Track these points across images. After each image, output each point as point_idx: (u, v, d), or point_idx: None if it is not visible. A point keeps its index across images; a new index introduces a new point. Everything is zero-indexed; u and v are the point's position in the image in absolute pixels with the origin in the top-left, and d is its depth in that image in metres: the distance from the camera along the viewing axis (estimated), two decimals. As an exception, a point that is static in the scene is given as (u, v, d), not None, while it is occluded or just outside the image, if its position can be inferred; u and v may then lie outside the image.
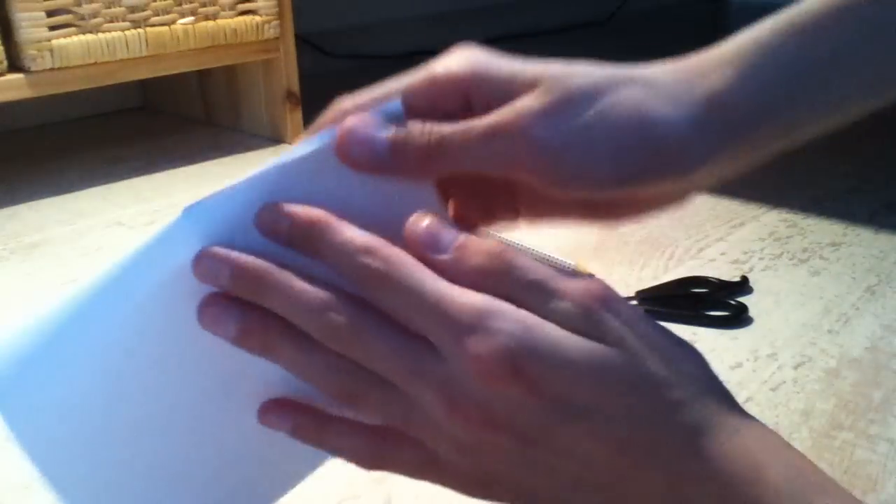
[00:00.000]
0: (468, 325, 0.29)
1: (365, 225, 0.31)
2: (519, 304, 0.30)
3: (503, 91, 0.32)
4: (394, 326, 0.30)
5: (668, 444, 0.29)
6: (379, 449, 0.34)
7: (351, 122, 0.32)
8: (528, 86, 0.31)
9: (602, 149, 0.31)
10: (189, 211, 0.30)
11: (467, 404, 0.30)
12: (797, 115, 0.32)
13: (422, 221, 0.31)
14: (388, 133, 0.32)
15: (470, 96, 0.33)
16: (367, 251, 0.30)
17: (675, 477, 0.29)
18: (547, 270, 0.31)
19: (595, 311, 0.30)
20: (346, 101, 0.35)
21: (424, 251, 0.31)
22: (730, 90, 0.31)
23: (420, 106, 0.33)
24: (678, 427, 0.29)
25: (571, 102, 0.31)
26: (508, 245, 0.31)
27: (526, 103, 0.31)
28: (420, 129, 0.32)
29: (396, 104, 0.33)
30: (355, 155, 0.32)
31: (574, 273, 0.31)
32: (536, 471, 0.30)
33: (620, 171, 0.31)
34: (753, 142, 0.32)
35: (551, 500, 0.31)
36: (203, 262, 0.32)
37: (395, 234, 0.31)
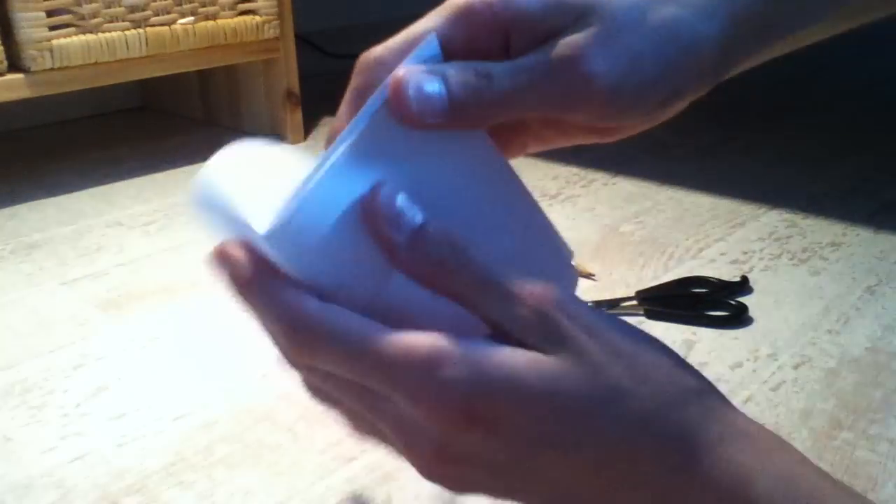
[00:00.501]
0: (417, 384, 0.27)
1: (428, 184, 0.30)
2: (472, 307, 0.28)
3: (546, 23, 0.30)
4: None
5: (645, 459, 0.27)
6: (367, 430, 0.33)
7: (399, 77, 0.29)
8: (572, 16, 0.29)
9: (654, 74, 0.30)
10: (272, 236, 0.28)
11: (425, 445, 0.29)
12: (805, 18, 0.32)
13: (385, 194, 0.29)
14: (439, 86, 0.29)
15: (509, 31, 0.30)
16: (295, 329, 0.29)
17: (661, 492, 0.28)
18: (504, 270, 0.29)
19: (553, 316, 0.28)
20: (375, 51, 0.32)
21: (383, 225, 0.28)
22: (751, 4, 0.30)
23: (457, 46, 0.30)
24: (653, 441, 0.27)
25: (621, 31, 0.29)
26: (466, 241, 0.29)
27: (578, 38, 0.29)
28: (474, 77, 0.29)
29: (434, 46, 0.30)
30: (414, 114, 0.29)
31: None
32: (514, 493, 0.29)
33: (671, 94, 0.31)
34: (773, 46, 0.32)
35: None
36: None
37: (457, 188, 0.30)
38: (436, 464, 0.29)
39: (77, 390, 0.64)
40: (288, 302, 0.29)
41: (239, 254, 0.30)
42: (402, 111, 0.29)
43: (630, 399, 0.27)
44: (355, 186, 0.29)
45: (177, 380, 0.65)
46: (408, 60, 0.30)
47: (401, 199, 0.29)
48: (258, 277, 0.29)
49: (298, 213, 0.28)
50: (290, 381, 0.66)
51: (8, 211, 1.04)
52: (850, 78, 1.65)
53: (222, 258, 0.30)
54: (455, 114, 0.29)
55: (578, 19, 0.29)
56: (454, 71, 0.29)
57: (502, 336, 0.28)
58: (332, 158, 0.28)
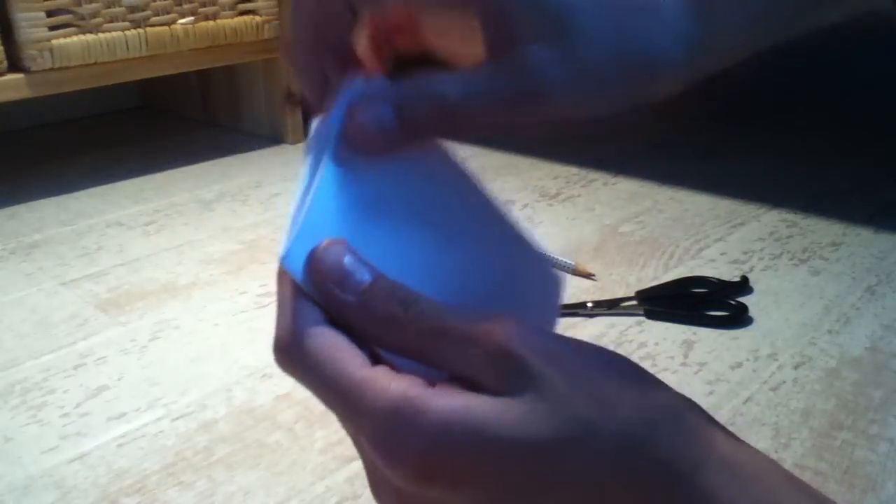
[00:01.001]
0: (378, 433, 0.26)
1: (401, 198, 0.30)
2: (427, 359, 0.28)
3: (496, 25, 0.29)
4: None
5: (617, 498, 0.26)
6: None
7: (353, 120, 0.29)
8: (539, 21, 0.28)
9: (620, 94, 0.30)
10: (285, 258, 0.29)
11: (387, 493, 0.28)
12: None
13: (332, 253, 0.28)
14: (389, 116, 0.29)
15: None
16: (284, 339, 0.28)
17: None
18: (456, 316, 0.28)
19: (510, 353, 0.26)
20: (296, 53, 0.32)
21: (332, 288, 0.28)
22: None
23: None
24: (625, 477, 0.26)
25: (588, 48, 0.28)
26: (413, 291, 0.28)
27: (542, 58, 0.28)
28: (426, 101, 0.29)
29: (377, 83, 0.30)
30: (367, 145, 0.29)
31: (480, 317, 0.28)
32: None
33: (626, 101, 0.30)
34: (731, 56, 0.33)
35: None
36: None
37: (429, 206, 0.31)
38: None
39: (77, 390, 0.64)
40: (296, 313, 0.28)
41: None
42: (357, 146, 0.29)
43: (597, 435, 0.26)
44: (341, 202, 0.30)
45: (176, 380, 0.65)
46: (352, 91, 0.30)
47: (348, 259, 0.28)
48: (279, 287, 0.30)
49: (300, 237, 0.29)
50: (290, 382, 0.65)
51: (8, 211, 1.04)
52: (851, 78, 1.65)
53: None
54: (407, 138, 0.29)
55: (543, 27, 0.28)
56: (405, 94, 0.29)
57: (463, 381, 0.27)
58: (314, 186, 0.29)
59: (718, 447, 0.27)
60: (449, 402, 0.26)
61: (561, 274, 0.35)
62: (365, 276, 0.28)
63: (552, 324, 0.35)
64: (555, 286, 0.35)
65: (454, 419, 0.26)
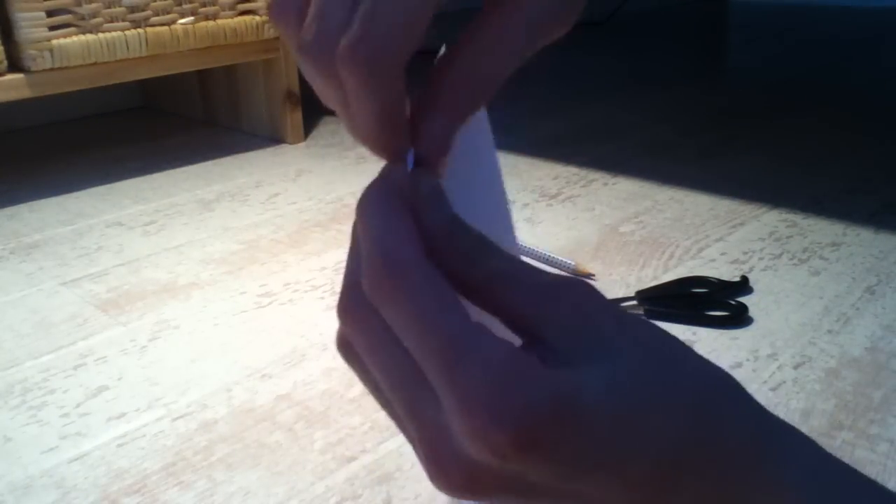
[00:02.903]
0: (489, 390, 0.23)
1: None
2: (499, 304, 0.26)
3: None
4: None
5: (688, 471, 0.26)
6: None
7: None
8: None
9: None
10: None
11: (454, 464, 0.25)
12: None
13: (432, 179, 0.28)
14: None
15: None
16: (392, 263, 0.25)
17: (701, 498, 0.26)
18: (532, 270, 0.27)
19: (595, 319, 0.26)
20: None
21: (429, 205, 0.28)
22: None
23: None
24: (697, 452, 0.26)
25: None
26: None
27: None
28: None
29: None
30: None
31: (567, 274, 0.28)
32: None
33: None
34: None
35: None
36: None
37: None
38: (456, 490, 0.26)
39: (77, 390, 0.64)
40: (399, 234, 0.26)
41: (382, 173, 0.29)
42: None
43: (675, 409, 0.26)
44: None
45: (176, 380, 0.65)
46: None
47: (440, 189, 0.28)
48: (382, 194, 0.27)
49: None
50: (290, 381, 0.66)
51: (8, 211, 1.04)
52: (850, 78, 1.65)
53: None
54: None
55: None
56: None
57: (528, 336, 0.26)
58: None
59: (785, 434, 0.28)
60: (554, 372, 0.24)
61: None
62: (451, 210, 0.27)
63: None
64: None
65: (567, 392, 0.24)
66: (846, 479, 0.27)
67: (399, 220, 0.26)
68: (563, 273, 0.27)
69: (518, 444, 0.23)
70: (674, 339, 0.28)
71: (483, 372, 0.23)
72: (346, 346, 0.30)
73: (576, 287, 0.26)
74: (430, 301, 0.24)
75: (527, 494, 0.26)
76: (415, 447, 0.27)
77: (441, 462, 0.25)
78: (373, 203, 0.27)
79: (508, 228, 0.37)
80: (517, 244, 0.37)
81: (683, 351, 0.27)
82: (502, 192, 0.37)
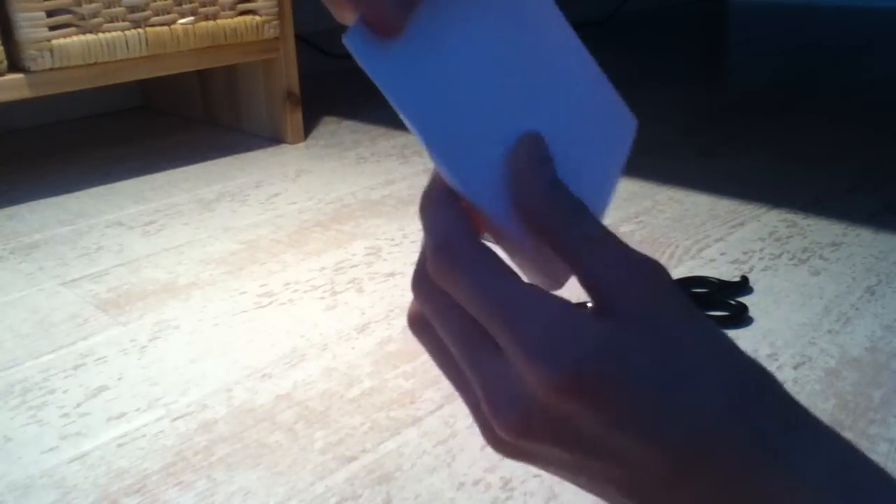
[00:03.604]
0: (542, 339, 0.27)
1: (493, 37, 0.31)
2: (577, 259, 0.29)
3: None
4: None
5: (721, 447, 0.27)
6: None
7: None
8: None
9: None
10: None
11: (511, 410, 0.28)
12: None
13: (540, 142, 0.31)
14: None
15: None
16: (449, 250, 0.29)
17: (724, 481, 0.27)
18: (614, 238, 0.30)
19: (654, 290, 0.28)
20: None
21: (536, 165, 0.30)
22: None
23: None
24: (732, 429, 0.27)
25: None
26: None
27: None
28: None
29: None
30: None
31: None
32: (580, 473, 0.30)
33: None
34: None
35: (594, 492, 0.30)
36: None
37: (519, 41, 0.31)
38: (512, 432, 0.29)
39: (77, 390, 0.64)
40: (452, 225, 0.29)
41: (435, 177, 0.31)
42: None
43: (715, 389, 0.28)
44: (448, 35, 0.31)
45: (176, 380, 0.65)
46: None
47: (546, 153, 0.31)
48: (438, 195, 0.30)
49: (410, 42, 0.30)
50: (290, 381, 0.66)
51: (8, 211, 1.04)
52: (851, 78, 1.65)
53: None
54: None
55: None
56: None
57: (599, 302, 0.29)
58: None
59: (813, 428, 0.29)
60: (604, 331, 0.27)
61: (631, 116, 0.36)
62: (554, 172, 0.30)
63: (621, 163, 0.36)
64: (629, 125, 0.36)
65: (612, 348, 0.27)
66: (871, 477, 0.28)
67: (450, 212, 0.30)
68: (641, 252, 0.29)
69: (568, 380, 0.26)
70: (724, 334, 0.30)
71: (540, 320, 0.27)
72: (415, 321, 0.34)
73: (650, 266, 0.29)
74: (482, 275, 0.28)
75: (571, 446, 0.28)
76: (473, 405, 0.31)
77: (501, 407, 0.29)
78: (430, 200, 0.31)
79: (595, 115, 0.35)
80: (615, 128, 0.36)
81: (731, 343, 0.29)
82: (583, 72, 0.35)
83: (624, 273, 0.28)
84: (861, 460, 0.28)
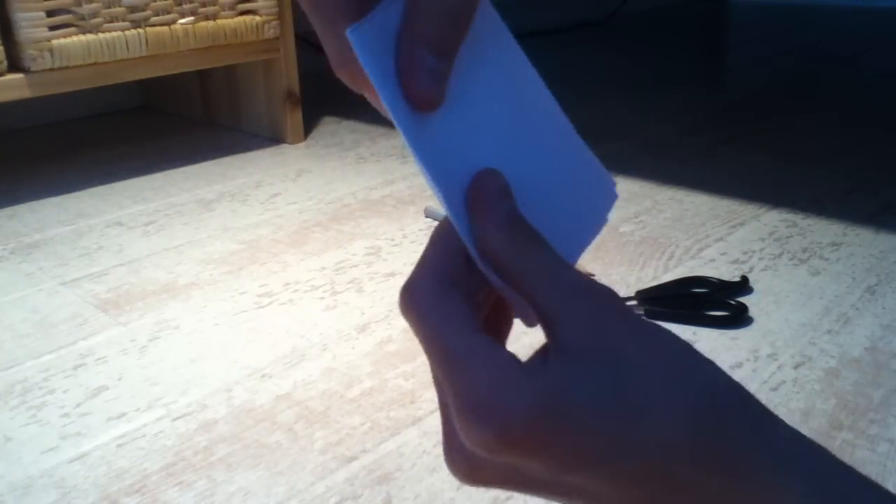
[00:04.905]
0: (475, 399, 0.26)
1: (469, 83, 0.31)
2: (532, 294, 0.28)
3: None
4: None
5: (684, 467, 0.27)
6: None
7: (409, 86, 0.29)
8: None
9: None
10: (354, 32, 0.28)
11: (460, 458, 0.29)
12: None
13: (496, 177, 0.30)
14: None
15: None
16: (405, 291, 0.29)
17: (697, 500, 0.27)
18: (569, 270, 0.29)
19: (606, 320, 0.27)
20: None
21: (491, 201, 0.30)
22: None
23: None
24: (693, 448, 0.27)
25: None
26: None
27: None
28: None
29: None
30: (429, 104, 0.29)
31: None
32: (552, 498, 0.30)
33: None
34: None
35: None
36: None
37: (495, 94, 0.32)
38: (465, 472, 0.30)
39: (77, 390, 0.64)
40: (426, 264, 0.30)
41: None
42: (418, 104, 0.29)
43: (671, 414, 0.27)
44: None
45: (176, 380, 0.65)
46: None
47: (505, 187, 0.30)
48: (438, 231, 0.31)
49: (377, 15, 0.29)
50: (290, 381, 0.66)
51: (8, 211, 1.04)
52: (851, 78, 1.65)
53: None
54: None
55: None
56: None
57: (548, 330, 0.28)
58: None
59: (780, 434, 0.28)
60: (543, 380, 0.27)
61: (612, 183, 0.36)
62: (514, 205, 0.30)
63: (596, 229, 0.36)
64: (609, 192, 0.36)
65: (555, 395, 0.26)
66: (851, 488, 0.28)
67: (432, 249, 0.30)
68: (592, 277, 0.28)
69: (500, 441, 0.26)
70: (687, 348, 0.29)
71: (473, 379, 0.27)
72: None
73: (598, 291, 0.28)
74: (436, 322, 0.28)
75: (526, 485, 0.29)
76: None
77: (451, 454, 0.30)
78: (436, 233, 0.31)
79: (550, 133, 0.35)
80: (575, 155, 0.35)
81: (692, 360, 0.28)
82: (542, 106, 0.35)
83: (573, 303, 0.28)
84: (838, 471, 0.28)
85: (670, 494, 0.27)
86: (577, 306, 0.28)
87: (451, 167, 0.30)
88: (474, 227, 0.30)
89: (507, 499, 0.51)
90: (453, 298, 0.29)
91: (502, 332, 0.34)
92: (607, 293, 0.28)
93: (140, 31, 1.05)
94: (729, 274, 0.80)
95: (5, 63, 0.97)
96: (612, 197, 0.36)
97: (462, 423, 0.27)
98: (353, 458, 0.55)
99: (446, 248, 0.30)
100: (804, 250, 0.85)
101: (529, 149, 0.33)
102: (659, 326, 0.29)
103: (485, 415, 0.26)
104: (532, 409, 0.26)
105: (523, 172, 0.32)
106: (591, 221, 0.35)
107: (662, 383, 0.27)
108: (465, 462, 0.29)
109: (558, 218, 0.33)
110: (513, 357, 0.27)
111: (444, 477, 0.53)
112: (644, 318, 0.29)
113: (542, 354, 0.28)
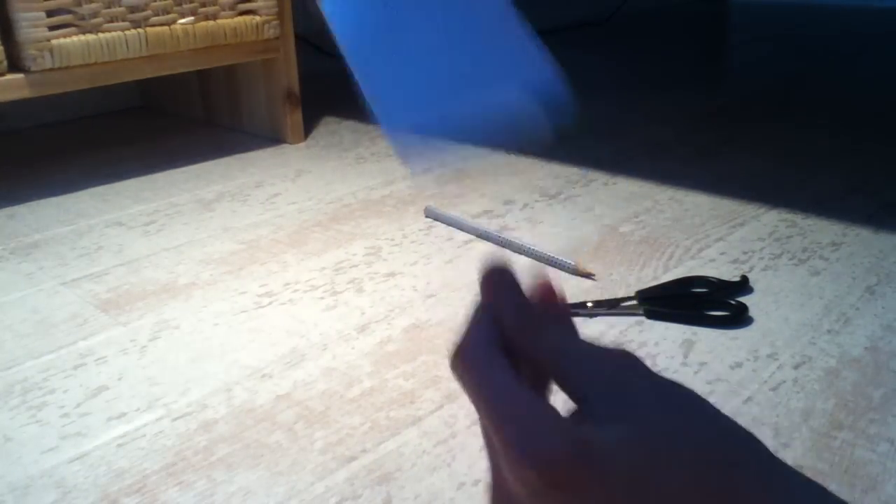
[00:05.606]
0: (512, 444, 0.29)
1: None
2: (554, 370, 0.32)
3: None
4: None
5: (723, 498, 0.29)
6: None
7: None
8: None
9: None
10: None
11: (504, 487, 0.31)
12: None
13: (507, 271, 0.34)
14: None
15: None
16: (456, 357, 0.32)
17: None
18: (578, 343, 0.33)
19: (623, 384, 0.31)
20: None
21: (506, 293, 0.34)
22: None
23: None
24: (713, 490, 0.29)
25: None
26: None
27: None
28: None
29: None
30: None
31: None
32: None
33: None
34: None
35: None
36: None
37: None
38: None
39: (77, 390, 0.64)
40: (473, 335, 0.33)
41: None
42: None
43: (681, 461, 0.30)
44: None
45: (176, 380, 0.65)
46: None
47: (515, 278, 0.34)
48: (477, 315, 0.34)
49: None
50: (290, 381, 0.66)
51: (8, 211, 1.04)
52: (851, 77, 1.65)
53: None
54: None
55: None
56: None
57: (576, 398, 0.31)
58: None
59: (793, 471, 0.31)
60: (580, 429, 0.30)
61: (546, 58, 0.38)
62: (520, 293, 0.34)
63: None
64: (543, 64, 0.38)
65: (584, 440, 0.29)
66: None
67: (481, 326, 0.33)
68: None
69: (542, 481, 0.29)
70: (700, 402, 0.32)
71: (520, 426, 0.30)
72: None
73: (616, 357, 0.32)
74: (486, 374, 0.31)
75: None
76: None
77: (499, 498, 0.33)
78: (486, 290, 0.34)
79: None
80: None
81: (703, 410, 0.32)
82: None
83: (594, 370, 0.32)
84: None
85: None
86: (600, 371, 0.31)
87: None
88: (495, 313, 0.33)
89: None
90: (500, 356, 0.32)
91: (542, 395, 0.37)
92: (626, 356, 0.32)
93: (140, 31, 1.05)
94: (729, 274, 0.80)
95: (5, 63, 0.97)
96: (550, 80, 0.38)
97: (509, 463, 0.30)
98: (353, 458, 0.55)
99: (489, 320, 0.33)
100: (804, 250, 0.85)
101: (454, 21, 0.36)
102: (674, 384, 0.32)
103: (531, 454, 0.29)
104: (572, 449, 0.29)
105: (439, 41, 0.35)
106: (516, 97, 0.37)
107: (671, 436, 0.30)
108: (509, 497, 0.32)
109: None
110: (554, 408, 0.31)
111: (444, 477, 0.53)
112: (656, 374, 0.33)
113: (577, 414, 0.31)
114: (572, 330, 0.34)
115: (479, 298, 0.34)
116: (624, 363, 0.32)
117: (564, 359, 0.32)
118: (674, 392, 0.32)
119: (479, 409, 0.31)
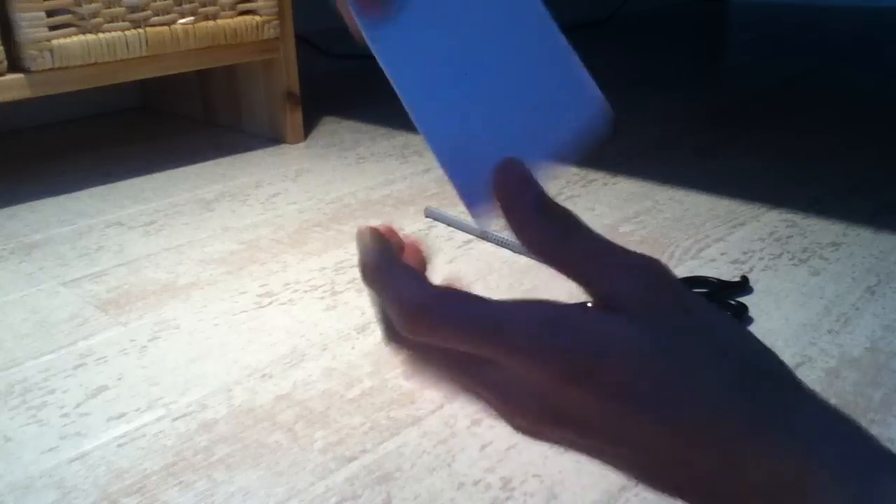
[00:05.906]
0: (528, 351, 0.29)
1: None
2: (582, 275, 0.30)
3: None
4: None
5: (721, 424, 0.28)
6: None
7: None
8: None
9: None
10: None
11: (523, 405, 0.30)
12: None
13: (519, 164, 0.32)
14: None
15: None
16: (415, 310, 0.30)
17: (728, 458, 0.28)
18: (609, 244, 0.31)
19: (657, 289, 0.30)
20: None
21: (521, 189, 0.32)
22: None
23: None
24: (739, 411, 0.28)
25: None
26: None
27: None
28: None
29: None
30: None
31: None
32: (599, 453, 0.31)
33: None
34: None
35: (611, 466, 0.32)
36: None
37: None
38: (530, 420, 0.31)
39: (77, 390, 0.64)
40: (407, 285, 0.30)
41: (368, 241, 0.33)
42: None
43: (715, 375, 0.29)
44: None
45: (176, 380, 0.65)
46: None
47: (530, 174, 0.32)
48: (382, 263, 0.31)
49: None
50: (290, 382, 0.66)
51: (8, 211, 1.04)
52: (850, 77, 1.65)
53: (359, 242, 0.33)
54: None
55: None
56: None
57: (607, 302, 0.30)
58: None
59: (819, 407, 0.30)
60: (598, 319, 0.29)
61: (601, 99, 0.36)
62: (541, 192, 0.31)
63: (578, 141, 0.36)
64: (598, 107, 0.36)
65: (599, 336, 0.29)
66: (881, 462, 0.28)
67: (404, 275, 0.31)
68: (638, 253, 0.31)
69: (564, 374, 0.28)
70: (727, 324, 0.31)
71: (528, 324, 0.29)
72: (414, 364, 0.35)
73: (648, 265, 0.31)
74: (454, 317, 0.29)
75: (582, 430, 0.30)
76: (499, 413, 0.33)
77: (511, 408, 0.31)
78: (379, 269, 0.32)
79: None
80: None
81: (733, 334, 0.31)
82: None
83: (623, 275, 0.30)
84: (872, 445, 0.29)
85: (706, 448, 0.28)
86: (629, 277, 0.30)
87: (415, 70, 0.33)
88: (509, 220, 0.31)
89: (507, 499, 0.51)
90: (456, 291, 0.30)
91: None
92: (655, 264, 0.31)
93: (140, 31, 1.05)
94: (729, 274, 0.80)
95: (5, 63, 0.97)
96: (601, 109, 0.36)
97: (527, 363, 0.29)
98: (353, 459, 0.55)
99: (409, 272, 0.31)
100: (804, 250, 0.85)
101: (505, 56, 0.35)
102: (701, 299, 0.31)
103: (551, 349, 0.28)
104: (591, 339, 0.28)
105: (495, 77, 0.34)
106: (569, 129, 0.36)
107: (706, 352, 0.29)
108: (530, 412, 0.30)
109: (537, 120, 0.35)
110: (551, 301, 0.30)
111: (444, 477, 0.53)
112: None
113: (600, 309, 0.30)
114: (598, 235, 0.33)
115: (366, 228, 0.33)
116: (653, 275, 0.31)
117: (596, 265, 0.31)
118: (701, 319, 0.30)
119: (466, 347, 0.30)
